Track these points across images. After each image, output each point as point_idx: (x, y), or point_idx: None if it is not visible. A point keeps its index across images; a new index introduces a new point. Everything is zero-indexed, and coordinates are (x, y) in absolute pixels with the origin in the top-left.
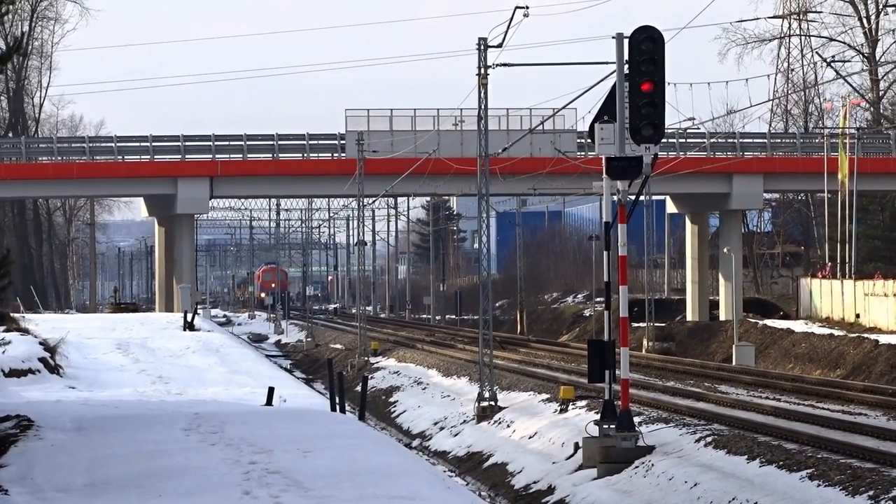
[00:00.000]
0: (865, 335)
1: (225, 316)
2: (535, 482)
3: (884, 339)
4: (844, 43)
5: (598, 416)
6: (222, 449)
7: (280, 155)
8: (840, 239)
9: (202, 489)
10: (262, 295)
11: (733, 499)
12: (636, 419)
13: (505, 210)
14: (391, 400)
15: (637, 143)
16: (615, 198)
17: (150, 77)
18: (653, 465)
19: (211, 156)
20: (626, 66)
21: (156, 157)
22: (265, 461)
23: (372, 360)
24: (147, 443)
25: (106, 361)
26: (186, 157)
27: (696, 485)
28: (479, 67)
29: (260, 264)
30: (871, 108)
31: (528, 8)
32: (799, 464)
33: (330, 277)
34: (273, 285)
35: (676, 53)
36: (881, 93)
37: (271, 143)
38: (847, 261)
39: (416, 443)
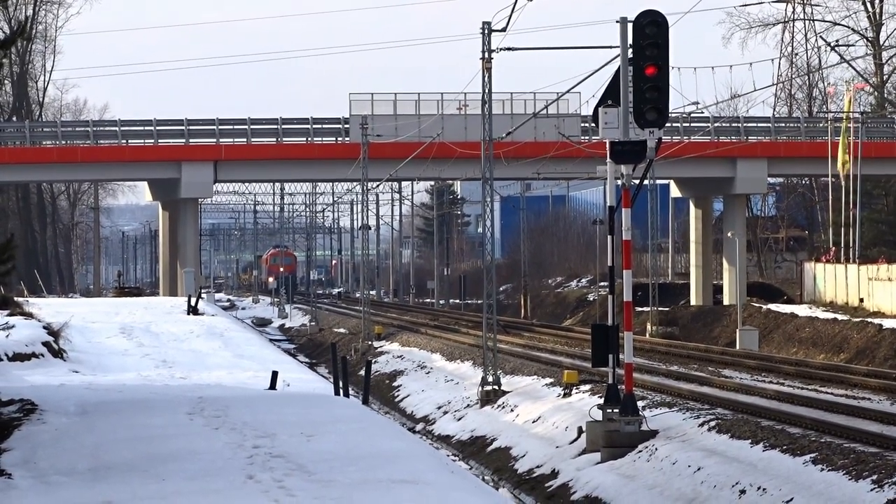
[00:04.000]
0: (869, 319)
1: (229, 300)
2: (538, 466)
3: (887, 323)
4: (848, 27)
5: (601, 401)
6: (226, 433)
7: (284, 139)
8: (844, 223)
9: (206, 473)
10: (271, 279)
11: (736, 483)
12: (640, 403)
13: (509, 194)
14: (395, 384)
15: (641, 127)
16: (619, 182)
17: (153, 61)
18: (656, 449)
19: (215, 140)
20: (631, 51)
21: (160, 141)
22: (269, 445)
23: (376, 344)
24: (151, 427)
25: (110, 345)
26: (190, 141)
27: (699, 469)
28: (483, 51)
29: (264, 248)
30: (875, 93)
31: None
32: (802, 448)
33: (334, 261)
34: (281, 269)
35: (680, 37)
36: (885, 77)
37: (275, 127)
38: (851, 245)
39: (419, 427)
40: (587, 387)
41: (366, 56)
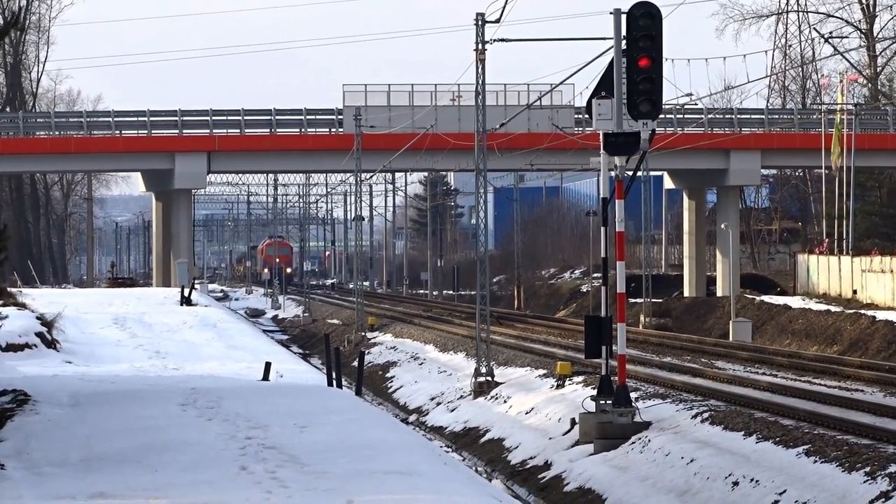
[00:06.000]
0: (862, 311)
1: (222, 291)
2: (531, 458)
3: (880, 315)
4: (842, 19)
5: (594, 392)
6: (219, 424)
7: (277, 130)
8: (837, 215)
9: (198, 464)
10: (266, 270)
11: (729, 475)
12: (633, 395)
13: (502, 185)
14: (388, 375)
15: (635, 118)
16: (613, 173)
17: (147, 52)
18: (649, 440)
19: (208, 130)
20: (624, 42)
21: (153, 131)
22: (261, 436)
23: (369, 335)
24: (144, 418)
25: (103, 336)
26: (184, 131)
27: (692, 461)
28: (477, 43)
29: (258, 239)
30: (869, 84)
31: None
32: (795, 440)
33: (327, 252)
34: (278, 260)
35: (674, 29)
36: (879, 69)
37: (269, 117)
38: (844, 237)
39: (412, 418)
40: (580, 378)
41: (360, 47)
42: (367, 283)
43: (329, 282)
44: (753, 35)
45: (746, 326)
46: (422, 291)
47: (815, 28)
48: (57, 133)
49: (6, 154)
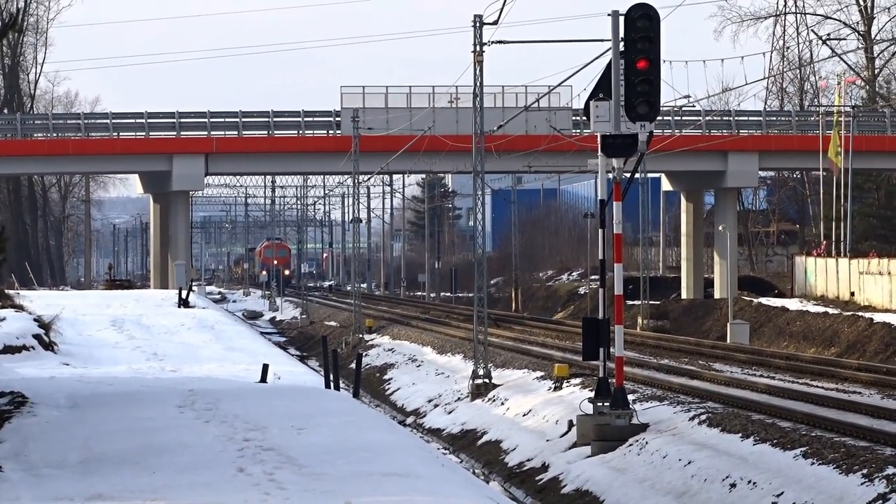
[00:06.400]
0: (860, 313)
1: (220, 293)
2: (528, 460)
3: (878, 317)
4: (840, 21)
5: (592, 394)
6: (217, 426)
7: (275, 132)
8: (835, 217)
9: (196, 466)
10: (263, 272)
11: (727, 477)
12: (630, 397)
13: (500, 187)
14: (385, 377)
15: (632, 120)
16: (610, 175)
17: (145, 54)
18: (647, 442)
19: (206, 132)
20: (622, 44)
21: (151, 133)
22: (259, 438)
23: (366, 337)
24: (141, 420)
25: (100, 338)
26: (182, 133)
27: (689, 463)
28: (475, 44)
29: (256, 241)
30: (867, 87)
31: None
32: (793, 442)
33: (325, 254)
34: (275, 262)
35: (672, 31)
36: (876, 71)
37: (267, 119)
38: (842, 239)
39: (410, 420)
40: (578, 380)
41: (357, 49)
42: (364, 285)
43: (327, 284)
44: (751, 37)
45: (744, 328)
46: (419, 293)
47: (812, 30)
48: (55, 135)
49: (4, 156)
